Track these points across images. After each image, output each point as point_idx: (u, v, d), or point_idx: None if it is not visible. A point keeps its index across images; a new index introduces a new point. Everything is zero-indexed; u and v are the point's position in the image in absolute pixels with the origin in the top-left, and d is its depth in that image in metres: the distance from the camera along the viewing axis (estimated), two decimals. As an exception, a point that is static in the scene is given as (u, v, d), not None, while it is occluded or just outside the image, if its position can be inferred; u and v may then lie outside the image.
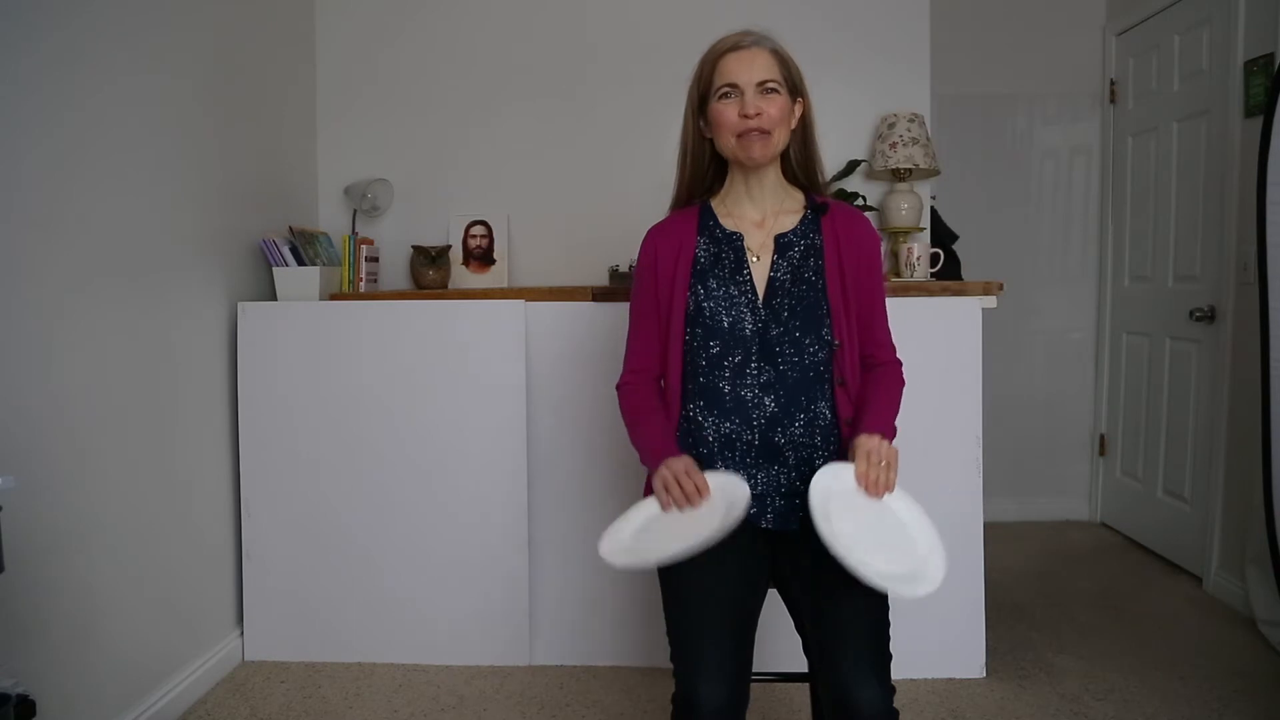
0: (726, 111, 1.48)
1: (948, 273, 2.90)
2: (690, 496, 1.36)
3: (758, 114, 1.46)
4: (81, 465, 1.86)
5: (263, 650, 2.47)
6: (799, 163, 1.58)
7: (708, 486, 1.38)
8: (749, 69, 1.48)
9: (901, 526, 1.35)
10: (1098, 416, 3.77)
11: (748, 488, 1.38)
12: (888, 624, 1.37)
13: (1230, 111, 2.84)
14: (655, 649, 2.38)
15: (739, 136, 1.48)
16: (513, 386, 2.40)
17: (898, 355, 1.59)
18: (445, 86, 2.98)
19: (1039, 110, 3.75)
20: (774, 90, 1.48)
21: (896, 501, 1.37)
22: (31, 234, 1.73)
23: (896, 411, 1.53)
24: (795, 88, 1.53)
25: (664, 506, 1.40)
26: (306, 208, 2.94)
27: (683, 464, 1.39)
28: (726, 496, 1.36)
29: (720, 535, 1.28)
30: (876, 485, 1.36)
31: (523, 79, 2.96)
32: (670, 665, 1.35)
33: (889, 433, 1.46)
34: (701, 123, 1.55)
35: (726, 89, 1.48)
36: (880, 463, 1.36)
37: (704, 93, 1.52)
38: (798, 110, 1.54)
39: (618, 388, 1.61)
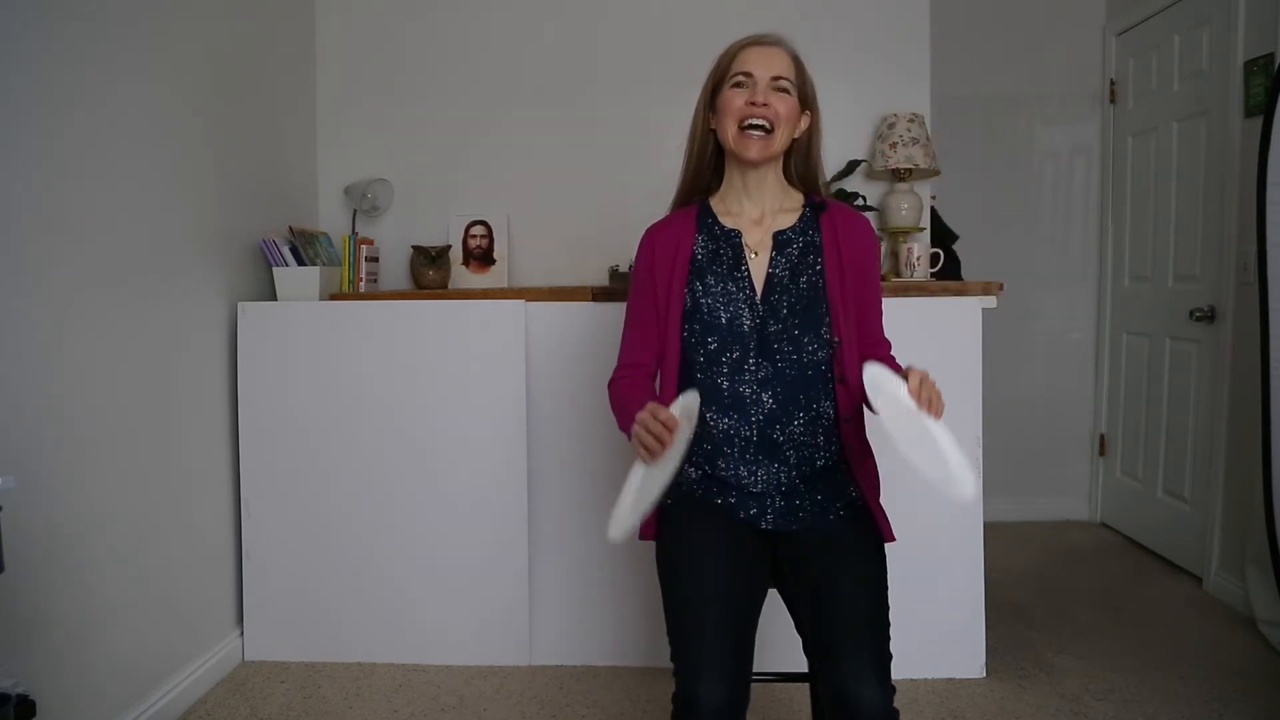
0: (735, 98, 1.49)
1: (948, 273, 2.90)
2: (661, 435, 1.31)
3: (765, 105, 1.47)
4: (81, 465, 1.86)
5: (263, 650, 2.47)
6: (799, 174, 1.60)
7: (673, 417, 1.32)
8: (766, 63, 1.50)
9: (935, 443, 1.29)
10: (1098, 416, 3.77)
11: (695, 394, 1.36)
12: (888, 624, 1.37)
13: (1230, 111, 2.84)
14: (655, 649, 2.38)
15: (740, 128, 1.49)
16: (513, 386, 2.40)
17: (892, 353, 1.60)
18: (446, 86, 2.97)
19: (1039, 111, 3.75)
20: (785, 90, 1.50)
21: (935, 427, 1.31)
22: (32, 235, 1.73)
23: None
24: (806, 99, 1.54)
25: (648, 461, 1.34)
26: (306, 208, 2.94)
27: (645, 410, 1.34)
28: (684, 411, 1.34)
29: (688, 428, 1.31)
30: (929, 403, 1.30)
31: (523, 79, 2.96)
32: (670, 665, 1.34)
33: None
34: (710, 113, 1.56)
35: (740, 77, 1.50)
36: (933, 385, 1.32)
37: (718, 81, 1.54)
38: (804, 122, 1.55)
39: (609, 384, 1.61)
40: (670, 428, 1.31)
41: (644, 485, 1.35)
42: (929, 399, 1.30)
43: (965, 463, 1.29)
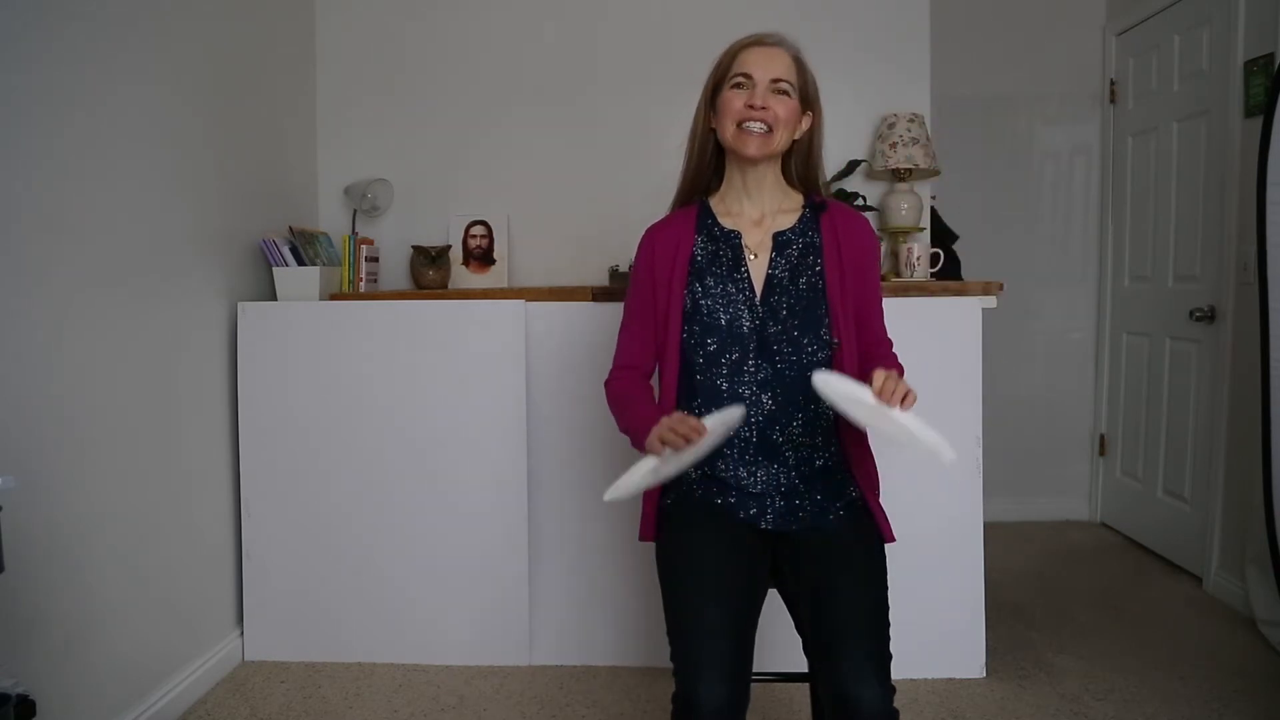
0: (734, 100, 1.49)
1: (948, 273, 2.90)
2: (689, 435, 1.32)
3: (764, 108, 1.47)
4: (81, 465, 1.86)
5: (263, 650, 2.47)
6: (799, 174, 1.60)
7: (704, 426, 1.33)
8: (766, 64, 1.49)
9: (904, 428, 1.31)
10: (1098, 416, 3.77)
11: (742, 408, 1.36)
12: (888, 624, 1.37)
13: (1230, 111, 2.84)
14: (655, 649, 2.38)
15: (739, 126, 1.49)
16: (513, 386, 2.40)
17: (894, 351, 1.60)
18: (446, 86, 2.98)
19: (1039, 110, 3.75)
20: (785, 92, 1.49)
21: (904, 416, 1.32)
22: (33, 235, 1.73)
23: (903, 373, 1.50)
24: (808, 99, 1.54)
25: (671, 444, 1.34)
26: (306, 208, 2.94)
27: (674, 415, 1.35)
28: (723, 420, 1.35)
29: (719, 435, 1.29)
30: (894, 396, 1.29)
31: (523, 79, 2.96)
32: (670, 665, 1.35)
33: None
34: (710, 112, 1.55)
35: (740, 78, 1.50)
36: (897, 380, 1.31)
37: (718, 80, 1.54)
38: (805, 123, 1.55)
39: (605, 384, 1.62)
40: (699, 431, 1.32)
41: (658, 470, 1.37)
42: (893, 391, 1.29)
43: (939, 437, 1.30)
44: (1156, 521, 3.33)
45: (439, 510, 2.43)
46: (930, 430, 1.31)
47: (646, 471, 1.38)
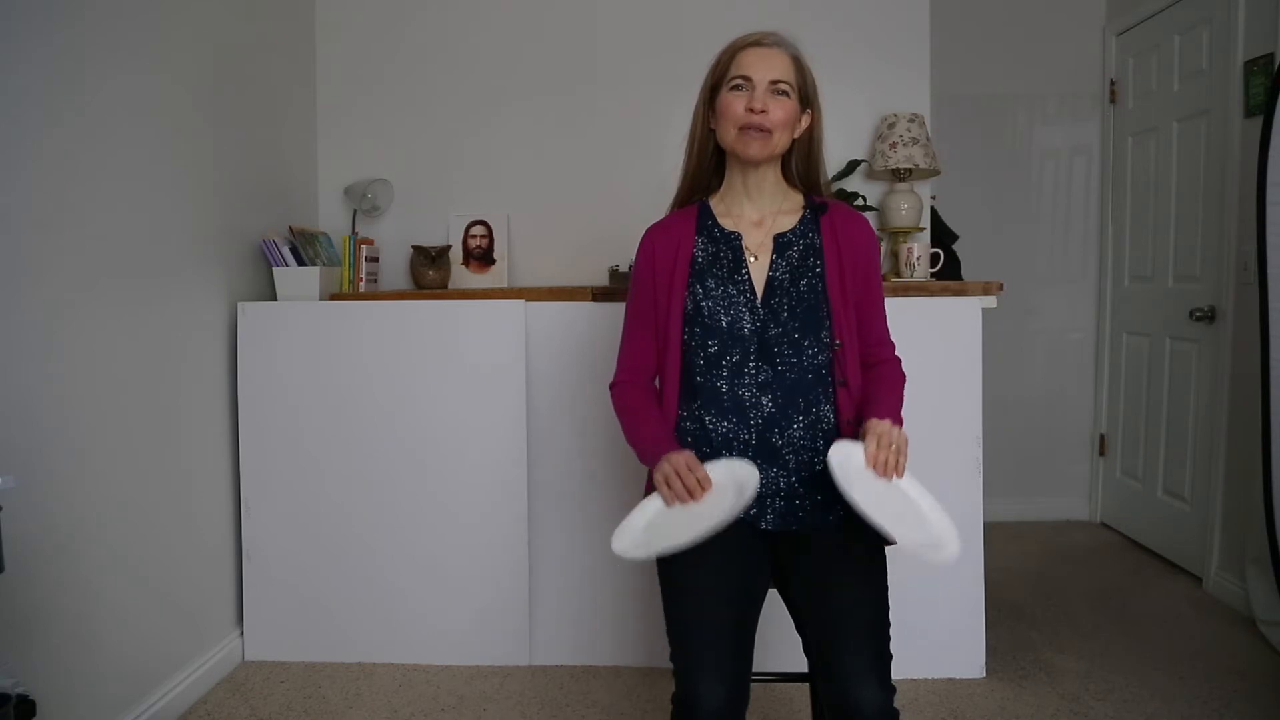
0: (734, 103, 1.49)
1: (948, 273, 2.90)
2: (692, 491, 1.35)
3: (763, 111, 1.46)
4: (81, 465, 1.86)
5: (263, 650, 2.47)
6: (800, 173, 1.59)
7: (709, 479, 1.37)
8: (765, 66, 1.48)
9: (912, 503, 1.35)
10: (1098, 416, 3.77)
11: (754, 467, 1.37)
12: (888, 624, 1.37)
13: (1230, 111, 2.84)
14: (655, 649, 2.38)
15: (739, 129, 1.48)
16: (513, 386, 2.40)
17: (896, 353, 1.59)
18: (445, 86, 2.98)
19: (1039, 110, 3.75)
20: (784, 93, 1.48)
21: (905, 484, 1.37)
22: (32, 235, 1.73)
23: (901, 404, 1.52)
24: (807, 98, 1.53)
25: (667, 501, 1.39)
26: (306, 208, 2.94)
27: (683, 458, 1.38)
28: (735, 480, 1.36)
29: (733, 515, 1.29)
30: (885, 467, 1.34)
31: (523, 79, 2.96)
32: (670, 665, 1.35)
33: (897, 422, 1.46)
34: (709, 113, 1.55)
35: (739, 81, 1.49)
36: (890, 445, 1.35)
37: (716, 82, 1.53)
38: (804, 121, 1.55)
39: (611, 387, 1.62)
40: (702, 487, 1.36)
41: (658, 523, 1.38)
42: (885, 462, 1.34)
43: (945, 519, 1.33)
44: (1156, 521, 3.33)
45: (439, 510, 2.43)
46: (942, 515, 1.33)
47: (653, 514, 1.40)
